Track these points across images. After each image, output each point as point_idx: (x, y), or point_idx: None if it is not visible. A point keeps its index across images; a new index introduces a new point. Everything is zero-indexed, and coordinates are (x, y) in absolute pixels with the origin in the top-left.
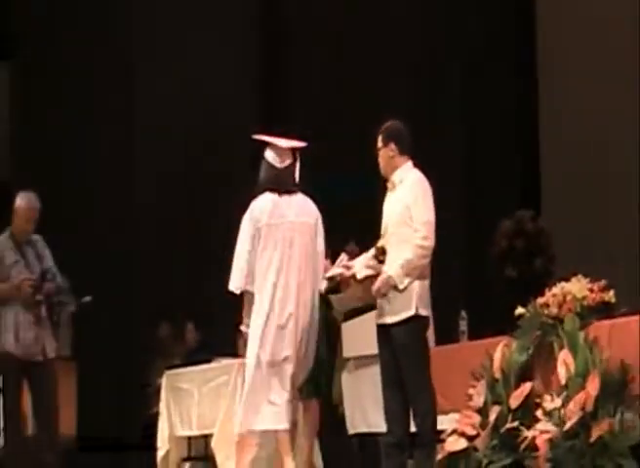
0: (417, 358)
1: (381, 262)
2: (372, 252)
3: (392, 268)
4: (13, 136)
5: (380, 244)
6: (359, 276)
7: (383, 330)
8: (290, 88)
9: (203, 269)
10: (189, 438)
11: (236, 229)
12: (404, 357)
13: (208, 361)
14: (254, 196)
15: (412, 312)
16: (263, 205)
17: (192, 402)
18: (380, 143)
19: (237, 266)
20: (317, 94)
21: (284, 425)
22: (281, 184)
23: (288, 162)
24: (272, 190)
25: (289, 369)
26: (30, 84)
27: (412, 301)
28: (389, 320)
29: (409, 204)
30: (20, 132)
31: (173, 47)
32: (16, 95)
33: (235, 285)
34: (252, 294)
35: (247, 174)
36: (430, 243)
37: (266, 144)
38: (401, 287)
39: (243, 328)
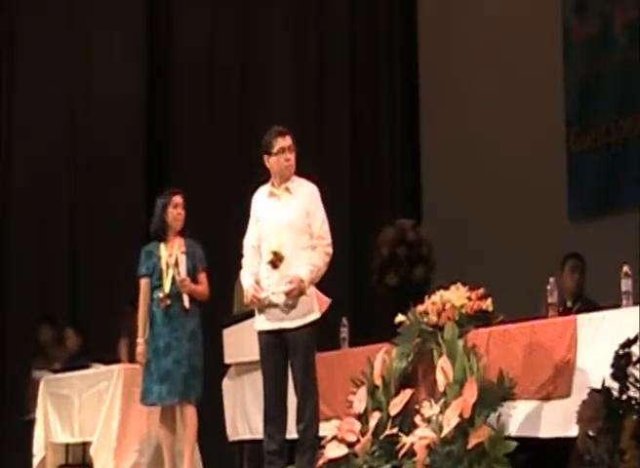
0: (310, 363)
1: (276, 267)
2: (266, 257)
3: (302, 273)
4: None
5: (274, 249)
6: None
7: (276, 334)
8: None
9: (85, 271)
10: (67, 444)
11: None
12: (301, 361)
13: (86, 367)
14: None
15: (317, 315)
16: None
17: (73, 408)
18: (292, 145)
19: None
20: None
21: None
22: None
23: None
24: None
25: None
26: None
27: (315, 305)
28: (293, 324)
29: (310, 212)
30: None
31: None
32: None
33: None
34: None
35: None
36: (331, 250)
37: None
38: (308, 292)
39: None
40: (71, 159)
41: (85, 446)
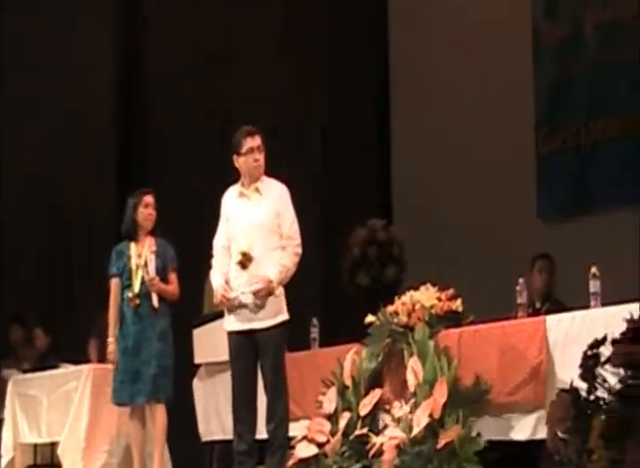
0: (281, 363)
1: (245, 268)
2: (235, 258)
3: (271, 274)
4: None
5: (243, 250)
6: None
7: (246, 335)
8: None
9: (56, 271)
10: (35, 445)
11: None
12: (271, 361)
13: (55, 367)
14: None
15: (286, 316)
16: None
17: (41, 408)
18: (261, 145)
19: None
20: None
21: None
22: None
23: None
24: None
25: None
26: None
27: (284, 305)
28: (263, 324)
29: (280, 212)
30: None
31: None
32: None
33: None
34: None
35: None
36: (301, 250)
37: None
38: (277, 292)
39: None
40: (55, 159)
41: (53, 446)
